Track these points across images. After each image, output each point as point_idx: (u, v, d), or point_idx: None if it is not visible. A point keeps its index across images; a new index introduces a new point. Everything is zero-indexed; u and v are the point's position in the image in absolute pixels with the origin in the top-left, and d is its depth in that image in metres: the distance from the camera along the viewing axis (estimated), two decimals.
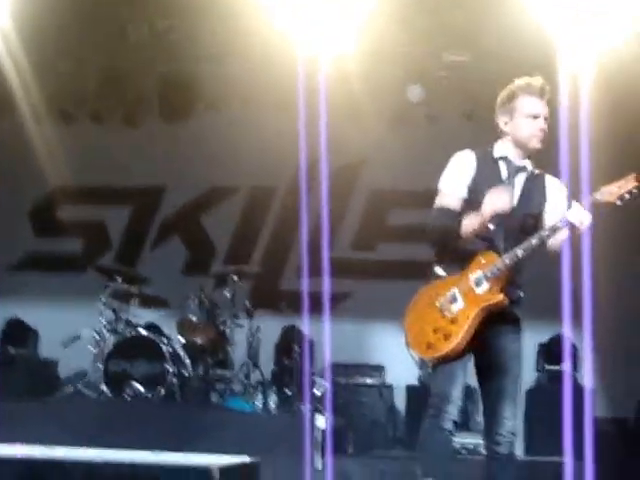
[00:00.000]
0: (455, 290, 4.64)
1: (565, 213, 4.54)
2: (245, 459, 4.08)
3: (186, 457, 4.02)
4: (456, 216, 4.72)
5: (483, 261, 4.63)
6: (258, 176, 10.72)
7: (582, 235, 4.47)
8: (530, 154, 4.88)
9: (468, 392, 9.20)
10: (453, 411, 4.69)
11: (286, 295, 10.20)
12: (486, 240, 4.70)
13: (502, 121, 4.85)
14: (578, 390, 8.97)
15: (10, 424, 7.48)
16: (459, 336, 4.58)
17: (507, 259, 4.59)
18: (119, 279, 9.16)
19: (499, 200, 4.62)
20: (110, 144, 10.89)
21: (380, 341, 9.94)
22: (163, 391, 8.40)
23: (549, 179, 4.90)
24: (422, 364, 9.71)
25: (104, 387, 8.43)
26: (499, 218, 4.64)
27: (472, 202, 4.74)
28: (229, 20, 8.93)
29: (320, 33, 8.03)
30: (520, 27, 8.17)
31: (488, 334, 4.71)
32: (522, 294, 4.85)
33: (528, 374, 9.32)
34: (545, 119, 4.80)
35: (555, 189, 4.84)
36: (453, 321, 4.60)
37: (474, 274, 4.62)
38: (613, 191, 4.54)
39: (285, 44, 8.59)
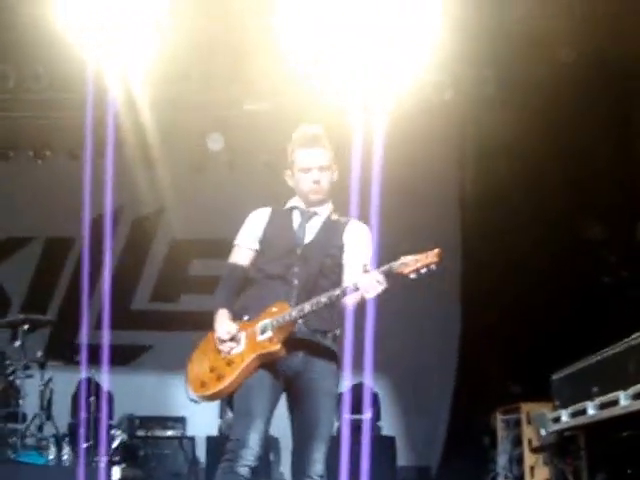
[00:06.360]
0: (242, 334, 4.58)
1: (357, 278, 4.45)
2: None
3: None
4: (243, 270, 4.76)
5: (274, 309, 4.58)
6: (54, 226, 10.50)
7: (368, 300, 4.43)
8: (316, 204, 4.79)
9: (271, 441, 9.27)
10: (249, 456, 4.45)
11: (82, 347, 9.97)
12: (284, 280, 4.68)
13: (288, 175, 4.82)
14: (380, 439, 9.19)
15: None
16: (231, 378, 4.53)
17: (294, 312, 4.53)
18: None
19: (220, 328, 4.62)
20: None
21: (181, 393, 9.70)
22: None
23: (352, 224, 4.81)
24: (222, 413, 9.64)
25: None
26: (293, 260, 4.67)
27: (265, 251, 4.75)
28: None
29: (114, 80, 7.95)
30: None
31: (302, 368, 4.61)
32: (338, 332, 4.71)
33: None
34: (320, 168, 4.71)
35: (354, 234, 4.78)
36: (229, 363, 4.55)
37: (262, 322, 4.57)
38: (410, 264, 4.40)
39: (76, 88, 8.50)
